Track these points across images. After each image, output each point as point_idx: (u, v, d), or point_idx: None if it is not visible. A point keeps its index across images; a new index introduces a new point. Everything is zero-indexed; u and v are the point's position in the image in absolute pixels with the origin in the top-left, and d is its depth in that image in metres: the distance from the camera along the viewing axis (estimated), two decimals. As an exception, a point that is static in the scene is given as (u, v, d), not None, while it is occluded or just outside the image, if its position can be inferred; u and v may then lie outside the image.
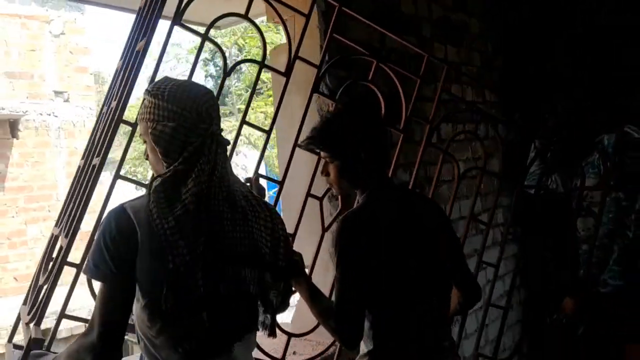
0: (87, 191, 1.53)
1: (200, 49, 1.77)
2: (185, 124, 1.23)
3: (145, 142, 1.29)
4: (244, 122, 1.85)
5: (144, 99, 1.27)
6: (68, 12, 6.95)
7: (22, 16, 6.62)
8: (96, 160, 1.55)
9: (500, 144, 3.40)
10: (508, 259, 3.68)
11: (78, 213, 1.53)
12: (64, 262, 1.48)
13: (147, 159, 1.32)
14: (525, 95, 3.66)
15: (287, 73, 1.93)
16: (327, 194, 2.01)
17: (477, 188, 2.48)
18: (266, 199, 1.67)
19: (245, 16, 1.79)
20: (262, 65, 1.89)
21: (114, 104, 1.56)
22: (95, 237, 1.21)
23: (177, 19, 1.67)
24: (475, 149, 3.49)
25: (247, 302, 1.28)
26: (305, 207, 2.02)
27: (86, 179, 1.58)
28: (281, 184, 1.95)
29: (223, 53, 1.82)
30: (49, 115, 6.80)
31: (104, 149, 1.54)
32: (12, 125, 6.61)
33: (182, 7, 1.66)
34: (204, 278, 1.19)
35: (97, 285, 1.22)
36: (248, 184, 1.73)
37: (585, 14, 3.58)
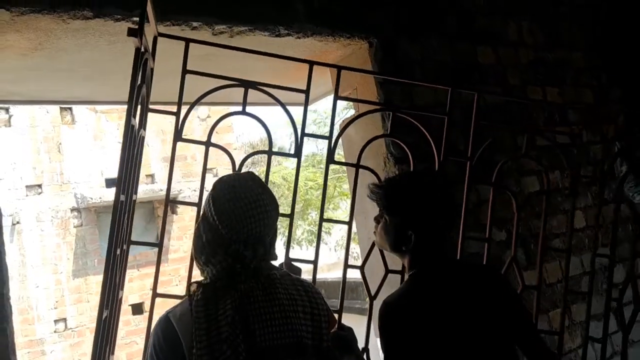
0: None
1: (206, 156, 1.86)
2: (224, 244, 1.29)
3: None
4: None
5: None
6: (212, 97, 7.77)
7: (175, 106, 7.53)
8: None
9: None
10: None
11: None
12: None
13: None
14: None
15: (297, 154, 1.93)
16: (366, 263, 1.96)
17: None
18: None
19: (244, 112, 1.87)
20: (270, 153, 1.94)
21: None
22: (148, 347, 1.30)
23: (178, 137, 1.79)
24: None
25: None
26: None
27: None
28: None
29: (231, 155, 1.92)
30: (201, 190, 7.54)
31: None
32: (172, 204, 7.43)
33: (179, 125, 1.78)
34: None
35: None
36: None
37: None
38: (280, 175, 12.41)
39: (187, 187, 7.47)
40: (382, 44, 2.38)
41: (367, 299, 1.98)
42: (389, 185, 1.60)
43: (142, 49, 1.54)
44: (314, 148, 11.93)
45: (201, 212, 1.36)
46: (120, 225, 1.48)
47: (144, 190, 7.29)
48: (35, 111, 6.82)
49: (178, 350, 1.23)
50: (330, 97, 2.64)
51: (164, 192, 7.15)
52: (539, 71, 2.96)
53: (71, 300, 6.95)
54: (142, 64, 1.56)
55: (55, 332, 6.77)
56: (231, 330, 1.22)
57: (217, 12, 2.02)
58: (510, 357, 1.53)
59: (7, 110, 6.67)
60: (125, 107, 1.50)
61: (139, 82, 1.53)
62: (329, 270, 13.02)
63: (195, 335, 1.22)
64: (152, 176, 7.53)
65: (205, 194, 1.44)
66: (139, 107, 1.62)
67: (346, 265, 1.95)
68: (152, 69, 1.79)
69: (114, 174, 7.32)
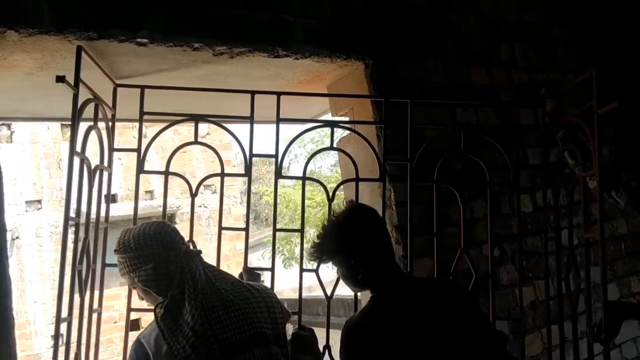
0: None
1: (166, 185, 2.18)
2: (160, 259, 1.47)
3: (135, 288, 1.54)
4: (220, 227, 2.17)
5: (118, 258, 1.52)
6: (212, 114, 7.88)
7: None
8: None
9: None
10: None
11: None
12: None
13: (142, 299, 1.57)
14: None
15: (248, 173, 2.19)
16: (319, 267, 2.08)
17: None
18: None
19: (196, 142, 2.25)
20: (222, 175, 2.20)
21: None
22: None
23: (140, 170, 2.13)
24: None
25: None
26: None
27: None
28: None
29: (188, 182, 2.23)
30: (200, 206, 7.59)
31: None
32: (170, 219, 7.46)
33: (141, 158, 2.11)
34: None
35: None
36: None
37: None
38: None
39: (187, 204, 7.50)
40: (378, 65, 2.44)
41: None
42: (315, 243, 1.69)
43: (92, 96, 1.89)
44: (312, 166, 12.00)
45: (134, 278, 1.51)
46: (76, 247, 1.79)
47: (143, 206, 7.32)
48: (36, 127, 6.88)
49: None
50: (328, 116, 2.72)
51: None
52: (530, 92, 3.02)
53: (68, 316, 6.94)
54: (94, 110, 1.94)
55: (52, 347, 6.75)
56: (201, 331, 1.40)
57: (218, 33, 2.09)
58: None
59: (9, 126, 6.73)
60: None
61: (78, 124, 1.79)
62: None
63: (171, 342, 1.40)
64: (151, 192, 7.57)
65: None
66: (106, 149, 2.05)
67: (301, 270, 2.17)
68: (113, 115, 2.10)
69: (112, 191, 7.37)
